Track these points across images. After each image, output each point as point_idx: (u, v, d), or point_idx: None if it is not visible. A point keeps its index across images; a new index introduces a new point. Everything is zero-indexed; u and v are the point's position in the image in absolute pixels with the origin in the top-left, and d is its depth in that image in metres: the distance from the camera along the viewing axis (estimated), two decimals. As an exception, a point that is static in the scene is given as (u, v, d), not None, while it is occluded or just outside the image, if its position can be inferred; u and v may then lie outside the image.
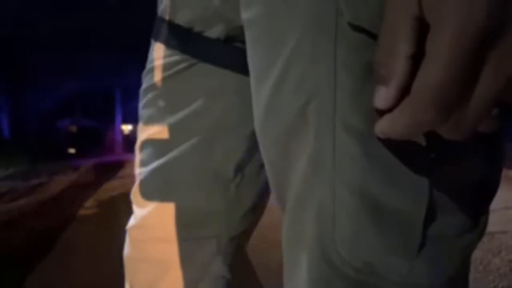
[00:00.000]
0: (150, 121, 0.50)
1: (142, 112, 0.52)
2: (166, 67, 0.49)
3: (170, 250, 0.50)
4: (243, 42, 0.46)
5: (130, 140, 11.93)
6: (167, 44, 0.49)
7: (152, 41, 0.53)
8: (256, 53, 0.33)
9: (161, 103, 0.49)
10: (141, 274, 0.52)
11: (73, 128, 12.33)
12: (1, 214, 3.03)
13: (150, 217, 0.50)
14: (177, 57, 0.48)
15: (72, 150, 9.06)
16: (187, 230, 0.49)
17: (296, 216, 0.32)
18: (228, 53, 0.47)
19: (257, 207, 0.53)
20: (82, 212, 2.99)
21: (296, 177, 0.32)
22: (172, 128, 0.48)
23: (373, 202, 0.28)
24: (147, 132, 0.50)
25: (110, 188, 4.01)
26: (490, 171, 0.31)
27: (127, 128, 14.85)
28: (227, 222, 0.51)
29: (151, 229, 0.50)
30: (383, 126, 0.25)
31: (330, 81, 0.28)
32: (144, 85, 0.52)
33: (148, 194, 0.50)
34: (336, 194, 0.29)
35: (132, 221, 0.53)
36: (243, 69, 0.47)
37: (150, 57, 0.52)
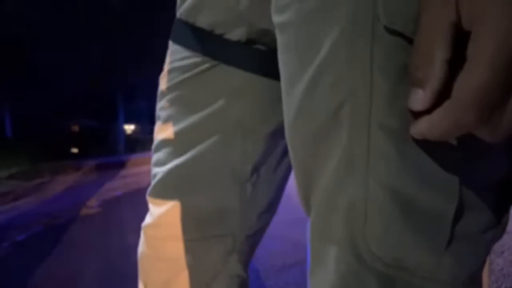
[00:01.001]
0: (168, 121, 0.51)
1: (160, 112, 0.52)
2: (186, 69, 0.49)
3: (186, 249, 0.50)
4: (264, 44, 0.47)
5: (132, 140, 11.94)
6: (188, 46, 0.49)
7: (170, 43, 0.53)
8: (289, 56, 0.34)
9: (181, 103, 0.50)
10: (156, 273, 0.53)
11: (76, 128, 12.35)
12: (4, 213, 3.04)
13: (166, 215, 0.50)
14: (197, 58, 0.48)
15: (74, 150, 9.08)
16: (204, 228, 0.50)
17: (326, 214, 0.33)
18: (249, 55, 0.48)
19: (272, 207, 0.54)
20: (85, 211, 3.00)
21: (326, 176, 0.33)
22: (190, 128, 0.49)
23: (405, 200, 0.29)
24: (165, 132, 0.51)
25: (112, 188, 4.02)
26: None
27: (129, 128, 14.88)
28: (243, 221, 0.51)
29: (167, 227, 0.51)
30: (421, 128, 0.26)
31: (366, 84, 0.29)
32: (162, 86, 0.52)
33: (166, 193, 0.51)
34: (369, 192, 0.30)
35: (148, 220, 0.54)
36: (263, 71, 0.48)
37: (168, 58, 0.52)
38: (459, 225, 0.30)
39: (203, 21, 0.48)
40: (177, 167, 0.49)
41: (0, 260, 1.99)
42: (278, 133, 0.51)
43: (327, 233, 0.33)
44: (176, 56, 0.50)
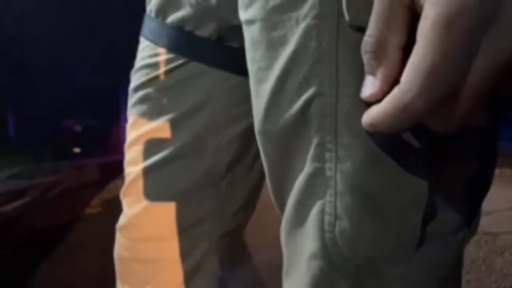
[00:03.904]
0: (139, 120, 0.51)
1: (132, 110, 0.52)
2: (157, 66, 0.49)
3: (162, 249, 0.50)
4: (236, 41, 0.46)
5: (134, 139, 11.87)
6: (158, 43, 0.49)
7: (141, 39, 0.52)
8: (255, 54, 0.34)
9: (152, 102, 0.49)
10: (133, 274, 0.52)
11: (78, 127, 12.34)
12: (7, 213, 3.05)
13: (141, 216, 0.50)
14: (168, 55, 0.48)
15: (77, 149, 9.10)
16: (179, 228, 0.50)
17: (297, 214, 0.34)
18: (220, 52, 0.48)
19: (248, 204, 0.53)
20: (88, 210, 3.01)
21: (296, 177, 0.33)
22: (163, 128, 0.49)
23: (374, 201, 0.30)
24: (136, 130, 0.51)
25: (115, 187, 4.02)
26: (485, 168, 0.32)
27: (131, 127, 14.87)
28: (219, 219, 0.51)
29: (142, 228, 0.51)
30: (371, 117, 0.26)
31: (332, 82, 0.29)
32: (133, 84, 0.52)
33: (138, 193, 0.51)
34: (338, 193, 0.30)
35: (122, 221, 0.53)
36: (235, 69, 0.47)
37: (139, 55, 0.51)
38: (429, 225, 0.30)
39: (173, 18, 0.48)
40: (149, 167, 0.49)
41: (2, 260, 1.99)
42: (252, 131, 0.50)
43: (299, 235, 0.34)
44: (146, 52, 0.50)
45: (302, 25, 0.30)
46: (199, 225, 0.51)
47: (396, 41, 0.24)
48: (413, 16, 0.24)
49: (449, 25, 0.21)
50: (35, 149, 7.19)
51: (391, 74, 0.25)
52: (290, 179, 0.34)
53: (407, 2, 0.24)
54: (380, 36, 0.25)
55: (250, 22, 0.34)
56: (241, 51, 0.46)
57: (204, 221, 0.51)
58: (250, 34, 0.34)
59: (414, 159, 0.29)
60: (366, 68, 0.26)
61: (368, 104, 0.27)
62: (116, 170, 5.43)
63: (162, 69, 0.49)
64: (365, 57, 0.26)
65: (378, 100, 0.26)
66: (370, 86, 0.26)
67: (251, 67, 0.35)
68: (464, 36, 0.21)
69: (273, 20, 0.31)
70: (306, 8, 0.29)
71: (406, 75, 0.23)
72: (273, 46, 0.32)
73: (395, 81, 0.25)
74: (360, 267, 0.31)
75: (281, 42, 0.31)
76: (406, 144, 0.29)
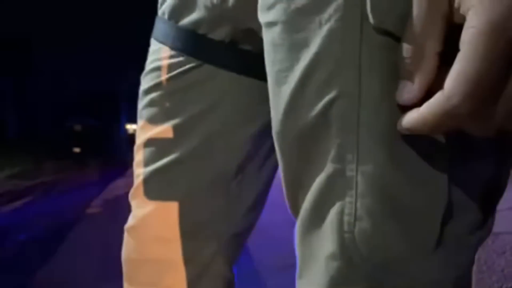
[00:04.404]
0: (151, 121, 0.50)
1: (142, 112, 0.51)
2: (169, 68, 0.48)
3: (170, 250, 0.50)
4: (249, 44, 0.46)
5: (135, 139, 11.92)
6: (171, 45, 0.48)
7: (153, 42, 0.52)
8: (276, 55, 0.33)
9: (165, 103, 0.49)
10: (140, 275, 0.52)
11: (78, 127, 12.37)
12: (8, 213, 3.05)
13: (150, 217, 0.50)
14: (181, 58, 0.48)
15: (77, 149, 9.09)
16: (188, 229, 0.50)
17: (314, 215, 0.33)
18: (232, 55, 0.47)
19: (257, 205, 0.53)
20: (89, 210, 3.01)
21: (314, 178, 0.32)
22: (175, 129, 0.48)
23: (394, 202, 0.29)
24: (147, 132, 0.50)
25: (115, 187, 4.02)
26: (501, 170, 0.32)
27: (132, 127, 14.86)
28: (228, 220, 0.51)
29: (151, 229, 0.50)
30: (410, 122, 0.26)
31: (355, 83, 0.29)
32: (145, 86, 0.51)
33: (150, 194, 0.50)
34: (358, 194, 0.30)
35: (131, 221, 0.52)
36: (247, 71, 0.47)
37: (150, 57, 0.51)
38: (447, 226, 0.30)
39: (186, 21, 0.47)
40: (160, 168, 0.49)
41: (4, 260, 1.99)
42: (263, 132, 0.50)
43: (316, 235, 0.33)
44: (159, 55, 0.50)
45: (325, 28, 0.29)
46: (208, 226, 0.50)
47: (433, 47, 0.24)
48: (451, 23, 0.24)
49: (493, 34, 0.21)
50: (35, 149, 7.21)
51: (428, 80, 0.25)
52: (307, 180, 0.33)
53: (445, 10, 0.24)
54: (418, 42, 0.25)
55: (271, 24, 0.33)
56: (253, 54, 0.46)
57: (213, 222, 0.51)
58: (270, 36, 0.34)
59: (435, 161, 0.29)
60: (403, 73, 0.26)
61: (390, 106, 0.28)
62: (115, 170, 5.43)
63: (175, 72, 0.48)
64: (403, 63, 0.26)
65: (414, 105, 0.26)
66: (407, 91, 0.26)
67: (270, 68, 0.34)
68: (508, 45, 0.22)
69: (295, 22, 0.31)
70: (329, 11, 0.29)
71: (451, 82, 0.23)
72: (294, 48, 0.31)
73: (432, 87, 0.25)
74: (378, 268, 0.31)
75: (303, 44, 0.31)
76: (427, 146, 0.29)
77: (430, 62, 0.24)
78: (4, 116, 10.47)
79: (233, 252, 0.54)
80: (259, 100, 0.47)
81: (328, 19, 0.29)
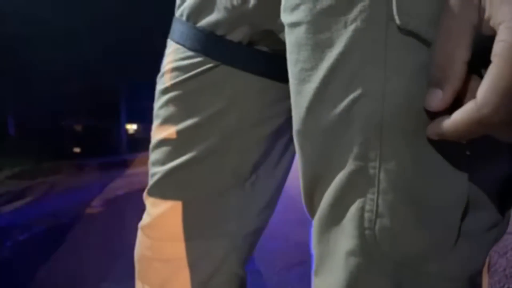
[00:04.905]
0: (168, 120, 0.50)
1: (159, 112, 0.52)
2: (187, 69, 0.49)
3: (184, 249, 0.50)
4: (265, 45, 0.47)
5: (134, 139, 11.96)
6: (189, 46, 0.49)
7: (170, 42, 0.52)
8: (299, 55, 0.34)
9: (181, 103, 0.49)
10: (154, 273, 0.53)
11: (78, 127, 12.38)
12: (7, 213, 3.05)
13: (165, 216, 0.50)
14: (198, 59, 0.48)
15: (77, 149, 9.11)
16: (203, 228, 0.50)
17: (333, 212, 0.33)
18: (250, 56, 0.48)
19: (271, 204, 0.54)
20: (89, 210, 3.01)
21: (334, 175, 0.33)
22: (191, 129, 0.49)
23: (417, 199, 0.30)
24: (164, 131, 0.51)
25: (115, 187, 4.03)
26: None
27: (131, 127, 14.90)
28: (242, 220, 0.52)
29: (166, 228, 0.51)
30: (441, 128, 0.26)
31: (380, 83, 0.29)
32: (161, 86, 0.52)
33: (165, 193, 0.51)
34: (380, 191, 0.30)
35: (146, 220, 0.53)
36: (264, 72, 0.48)
37: (168, 58, 0.52)
38: (464, 223, 0.30)
39: (205, 22, 0.48)
40: (176, 167, 0.49)
41: (3, 260, 2.00)
42: (277, 132, 0.51)
43: (334, 232, 0.33)
44: (176, 55, 0.50)
45: (351, 28, 0.30)
46: (222, 225, 0.51)
47: (463, 56, 0.25)
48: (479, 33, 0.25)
49: None
50: (35, 149, 7.22)
51: (457, 88, 0.26)
52: (327, 178, 0.33)
53: (475, 20, 0.25)
54: (448, 51, 0.25)
55: (295, 24, 0.34)
56: (269, 55, 0.48)
57: (227, 221, 0.51)
58: (294, 36, 0.34)
59: (456, 160, 0.30)
60: (432, 80, 0.27)
61: (414, 106, 0.29)
62: (115, 170, 5.44)
63: (193, 72, 0.48)
64: (431, 70, 0.27)
65: (442, 111, 0.27)
66: (436, 98, 0.26)
67: (293, 68, 0.35)
68: None
69: (320, 23, 0.32)
70: (355, 11, 0.30)
71: (483, 92, 0.24)
72: (319, 47, 0.32)
73: (460, 94, 0.26)
74: (398, 264, 0.31)
75: (328, 44, 0.31)
76: (448, 146, 0.29)
77: (459, 71, 0.25)
78: (4, 116, 10.47)
79: (246, 251, 0.54)
80: (275, 101, 0.48)
81: (354, 20, 0.30)
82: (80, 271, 1.81)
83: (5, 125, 10.34)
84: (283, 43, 0.42)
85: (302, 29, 0.33)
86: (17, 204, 3.37)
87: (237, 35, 0.47)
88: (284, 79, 0.48)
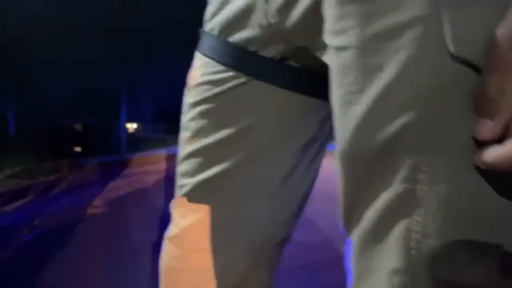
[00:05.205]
0: (199, 133, 0.51)
1: (189, 124, 0.52)
2: (218, 83, 0.49)
3: (213, 259, 0.51)
4: (298, 61, 0.48)
5: (134, 138, 11.96)
6: (220, 61, 0.49)
7: (199, 55, 0.53)
8: (345, 78, 0.34)
9: (212, 117, 0.50)
10: (181, 283, 0.53)
11: (78, 127, 12.37)
12: (10, 213, 3.05)
13: (196, 227, 0.51)
14: (230, 73, 0.49)
15: (77, 149, 9.09)
16: (232, 239, 0.51)
17: (376, 230, 0.34)
18: (282, 71, 0.48)
19: (298, 214, 0.54)
20: (91, 211, 3.01)
21: (377, 194, 0.33)
22: (222, 142, 0.49)
23: (466, 222, 0.30)
24: (194, 144, 0.52)
25: (116, 187, 4.02)
26: None
27: (131, 126, 14.88)
28: (270, 231, 0.52)
29: (194, 239, 0.51)
30: (492, 157, 0.27)
31: (432, 108, 0.30)
32: (191, 99, 0.53)
33: (194, 204, 0.51)
34: (428, 213, 0.31)
35: (173, 231, 0.54)
36: (295, 87, 0.49)
37: (197, 71, 0.52)
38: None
39: (237, 37, 0.48)
40: (207, 179, 0.50)
41: (7, 260, 2.00)
42: (307, 145, 0.51)
43: (377, 250, 0.34)
44: (206, 69, 0.51)
45: (403, 54, 0.30)
46: (250, 236, 0.50)
47: None
48: None
49: None
50: (35, 148, 7.21)
51: (508, 119, 0.26)
52: (370, 196, 0.34)
53: None
54: (500, 82, 0.26)
55: (342, 48, 0.34)
56: (301, 70, 0.48)
57: (255, 232, 0.51)
58: (340, 59, 0.35)
59: (506, 184, 0.30)
60: (483, 111, 0.27)
61: (465, 132, 0.29)
62: (116, 169, 5.43)
63: (224, 86, 0.49)
64: (483, 100, 0.27)
65: (492, 141, 0.28)
66: (486, 128, 0.27)
67: (337, 89, 0.36)
68: None
69: (370, 48, 0.32)
70: (406, 38, 0.30)
71: None
72: (367, 72, 0.32)
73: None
74: (443, 285, 0.31)
75: (377, 68, 0.32)
76: (493, 171, 0.29)
77: (510, 103, 0.26)
78: (4, 115, 10.45)
79: (273, 262, 0.55)
80: (306, 115, 0.49)
81: (405, 46, 0.30)
82: (85, 272, 1.82)
83: (5, 124, 10.33)
84: (315, 59, 0.43)
85: (349, 53, 0.33)
86: (19, 203, 3.37)
87: (270, 51, 0.47)
88: (314, 94, 0.49)
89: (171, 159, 7.41)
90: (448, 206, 0.30)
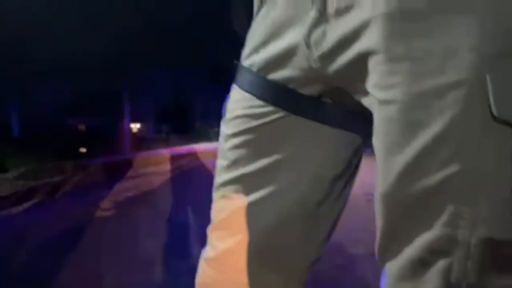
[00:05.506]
0: (236, 163, 0.54)
1: (227, 154, 0.55)
2: (256, 116, 0.52)
3: (247, 279, 0.53)
4: (335, 99, 0.50)
5: (138, 138, 11.98)
6: (259, 96, 0.52)
7: (237, 89, 0.55)
8: (390, 128, 0.37)
9: (250, 148, 0.53)
10: None
11: (82, 127, 12.40)
12: (18, 215, 3.06)
13: (232, 250, 0.54)
14: (268, 108, 0.51)
15: (81, 149, 9.11)
16: (266, 263, 0.53)
17: (415, 266, 0.37)
18: (319, 107, 0.51)
19: (328, 237, 0.57)
20: (100, 213, 3.02)
21: (417, 234, 0.36)
22: (260, 171, 0.52)
23: (506, 262, 0.33)
24: (232, 172, 0.54)
25: (123, 189, 4.03)
26: None
27: (135, 126, 14.90)
28: (303, 254, 0.55)
29: (232, 261, 0.54)
30: None
31: (475, 164, 0.33)
32: (229, 131, 0.55)
33: (233, 229, 0.54)
34: (470, 255, 0.33)
35: (210, 252, 0.56)
36: (331, 122, 0.51)
37: (235, 104, 0.55)
38: None
39: (276, 76, 0.50)
40: (245, 205, 0.52)
41: (17, 264, 2.01)
42: (340, 175, 0.54)
43: (416, 283, 0.37)
44: (246, 103, 0.53)
45: (447, 114, 0.33)
46: (285, 259, 0.52)
47: None
48: None
49: None
50: (39, 149, 7.22)
51: None
52: (409, 235, 0.37)
53: None
54: None
55: (388, 102, 0.37)
56: (337, 106, 0.51)
57: (290, 256, 0.53)
58: (386, 112, 0.38)
59: None
60: None
61: (506, 181, 0.32)
62: (120, 170, 5.44)
63: (262, 120, 0.52)
64: None
65: None
66: None
67: (382, 138, 0.39)
68: None
69: (416, 104, 0.35)
70: (451, 98, 0.33)
71: None
72: (412, 125, 0.35)
73: None
74: None
75: (422, 124, 0.34)
76: None
77: None
78: (8, 116, 10.47)
79: (304, 282, 0.57)
80: (340, 148, 0.52)
81: (450, 106, 0.33)
82: (96, 276, 1.82)
83: (9, 125, 10.36)
84: (351, 98, 0.46)
85: (395, 107, 0.36)
86: (26, 205, 3.39)
87: (308, 90, 0.49)
88: (349, 128, 0.52)
89: (176, 159, 7.43)
90: (487, 250, 0.33)
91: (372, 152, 0.53)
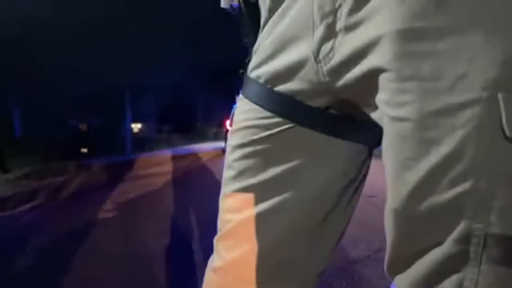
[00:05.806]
0: (244, 173, 0.54)
1: (234, 164, 0.55)
2: (264, 127, 0.52)
3: None
4: (342, 110, 0.50)
5: (139, 138, 11.99)
6: (266, 107, 0.52)
7: (244, 100, 0.56)
8: (403, 145, 0.38)
9: (257, 158, 0.53)
10: None
11: (83, 127, 12.42)
12: (21, 216, 3.07)
13: (241, 260, 0.54)
14: (275, 119, 0.51)
15: (83, 149, 9.11)
16: (274, 271, 0.54)
17: (427, 280, 0.37)
18: (326, 118, 0.51)
19: (336, 247, 0.58)
20: (103, 215, 3.02)
21: (429, 249, 0.37)
22: (267, 182, 0.52)
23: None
24: (240, 182, 0.54)
25: (126, 190, 4.05)
26: None
27: (136, 126, 14.90)
28: (311, 264, 0.55)
29: (239, 271, 0.54)
30: None
31: (488, 184, 0.33)
32: (236, 141, 0.55)
33: (240, 239, 0.54)
34: (481, 272, 0.34)
35: (218, 262, 0.56)
36: (339, 133, 0.52)
37: (242, 115, 0.55)
38: None
39: (284, 88, 0.50)
40: (252, 216, 0.53)
41: (18, 264, 2.01)
42: (348, 185, 0.54)
43: None
44: (253, 114, 0.54)
45: (459, 132, 0.33)
46: (292, 269, 0.53)
47: None
48: None
49: None
50: (42, 150, 7.22)
51: None
52: (419, 250, 0.38)
53: None
54: None
55: (401, 119, 0.37)
56: (343, 118, 0.51)
57: (297, 265, 0.53)
58: (397, 129, 0.38)
59: None
60: None
61: None
62: (123, 170, 5.43)
63: (270, 131, 0.52)
64: None
65: None
66: None
67: (394, 154, 0.39)
68: None
69: (428, 122, 0.35)
70: (464, 117, 0.33)
71: None
72: (424, 143, 0.35)
73: None
74: None
75: (435, 142, 0.35)
76: None
77: None
78: (10, 116, 10.49)
79: None
80: (347, 159, 0.53)
81: (463, 125, 0.33)
82: (100, 278, 1.82)
83: (11, 125, 10.37)
84: (359, 110, 0.46)
85: (407, 124, 0.36)
86: (29, 205, 3.40)
87: (316, 102, 0.49)
88: (356, 139, 0.52)
89: (177, 159, 7.42)
90: (500, 267, 0.33)
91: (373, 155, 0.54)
